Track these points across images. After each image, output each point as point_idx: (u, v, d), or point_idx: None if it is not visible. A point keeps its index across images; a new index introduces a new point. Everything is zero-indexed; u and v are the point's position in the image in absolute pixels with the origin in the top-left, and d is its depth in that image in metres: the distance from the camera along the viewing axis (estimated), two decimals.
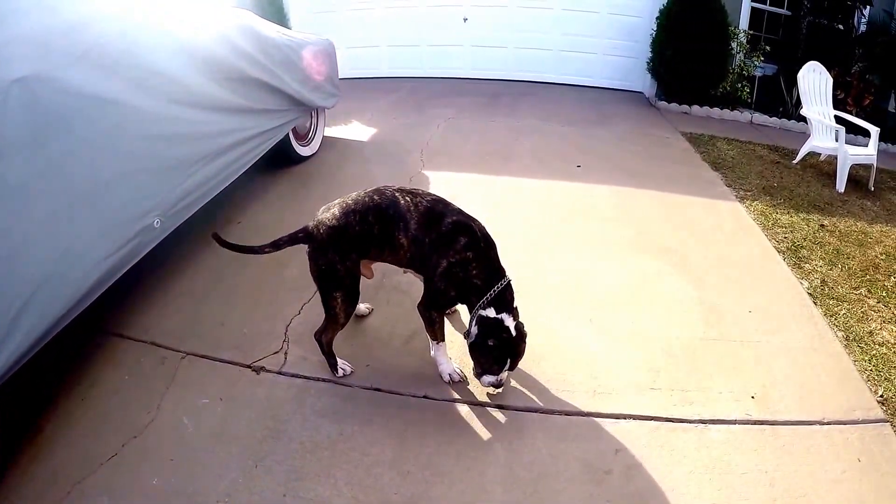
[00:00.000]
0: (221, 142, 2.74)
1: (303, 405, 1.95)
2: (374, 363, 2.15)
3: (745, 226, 3.43)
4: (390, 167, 4.01)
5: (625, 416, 1.95)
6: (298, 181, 3.74)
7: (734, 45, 6.08)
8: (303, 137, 4.06)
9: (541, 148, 4.57)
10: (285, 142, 3.68)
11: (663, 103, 6.15)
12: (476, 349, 1.87)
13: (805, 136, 4.86)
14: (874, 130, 4.44)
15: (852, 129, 4.75)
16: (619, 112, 5.85)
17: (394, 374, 2.10)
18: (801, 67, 4.86)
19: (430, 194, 1.95)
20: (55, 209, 1.79)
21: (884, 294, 2.80)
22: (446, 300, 1.95)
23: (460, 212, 1.93)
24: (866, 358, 2.32)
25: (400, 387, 2.04)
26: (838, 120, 4.69)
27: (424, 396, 2.00)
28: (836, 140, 4.45)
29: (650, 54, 6.18)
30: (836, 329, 2.49)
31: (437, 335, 2.00)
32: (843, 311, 2.62)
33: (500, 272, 1.90)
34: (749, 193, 3.90)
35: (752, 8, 6.52)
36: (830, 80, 4.86)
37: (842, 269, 3.00)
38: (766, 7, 6.74)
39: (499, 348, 1.82)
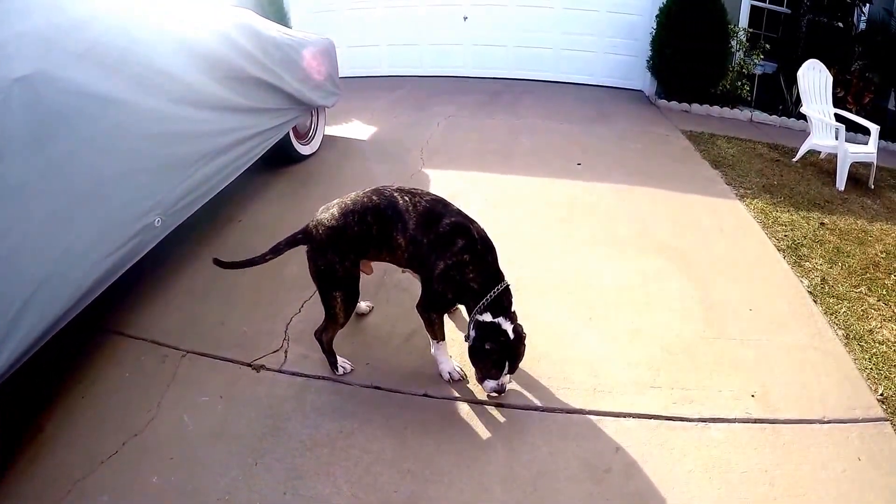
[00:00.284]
0: (222, 141, 2.74)
1: (303, 403, 1.95)
2: (375, 361, 2.15)
3: (745, 224, 3.42)
4: (391, 166, 4.01)
5: (625, 415, 1.95)
6: (299, 180, 3.74)
7: (734, 43, 6.06)
8: (303, 136, 4.06)
9: (541, 146, 4.56)
10: (286, 141, 3.68)
11: (663, 101, 6.14)
12: (474, 354, 1.86)
13: (805, 134, 4.84)
14: (874, 128, 4.43)
15: (852, 127, 4.74)
16: (619, 110, 5.84)
17: (394, 372, 2.10)
18: (800, 65, 4.85)
19: (429, 194, 1.95)
20: (56, 208, 1.79)
21: (884, 292, 2.79)
22: (444, 302, 1.95)
23: (459, 213, 1.92)
24: (866, 356, 2.31)
25: (400, 385, 2.04)
26: (838, 118, 4.68)
27: (424, 395, 2.01)
28: (836, 138, 4.44)
29: (650, 53, 6.17)
30: (836, 327, 2.48)
31: (437, 334, 2.00)
32: (844, 310, 2.62)
33: (497, 276, 1.88)
34: (749, 191, 3.89)
35: (752, 6, 6.51)
36: (830, 78, 4.85)
37: (842, 268, 3.00)
38: (766, 5, 6.73)
39: (497, 352, 1.81)
